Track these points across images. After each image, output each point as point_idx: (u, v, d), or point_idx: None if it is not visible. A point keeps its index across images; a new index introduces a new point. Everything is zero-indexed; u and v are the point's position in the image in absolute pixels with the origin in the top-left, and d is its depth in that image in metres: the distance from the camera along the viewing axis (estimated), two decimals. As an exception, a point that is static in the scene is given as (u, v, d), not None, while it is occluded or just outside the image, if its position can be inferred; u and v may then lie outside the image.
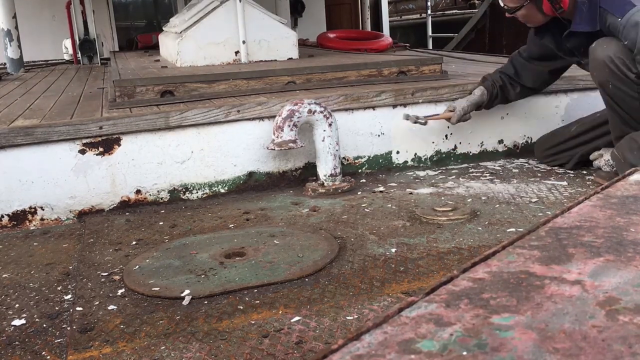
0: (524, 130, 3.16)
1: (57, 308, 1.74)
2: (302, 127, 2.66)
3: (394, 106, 2.95)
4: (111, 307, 1.69)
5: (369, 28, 9.28)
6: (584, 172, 2.83)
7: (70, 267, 2.04)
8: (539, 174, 2.82)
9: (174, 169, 2.68)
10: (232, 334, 1.48)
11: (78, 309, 1.69)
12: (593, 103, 3.24)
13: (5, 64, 5.88)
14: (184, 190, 2.73)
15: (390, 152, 2.99)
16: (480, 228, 2.12)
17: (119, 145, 2.60)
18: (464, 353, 0.61)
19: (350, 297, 1.64)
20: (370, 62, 3.40)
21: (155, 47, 5.75)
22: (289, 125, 2.61)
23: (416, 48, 6.36)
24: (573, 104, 3.21)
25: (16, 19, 5.63)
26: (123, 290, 1.81)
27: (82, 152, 2.55)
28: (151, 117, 2.62)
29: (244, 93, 3.07)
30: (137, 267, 1.95)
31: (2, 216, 2.50)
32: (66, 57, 7.18)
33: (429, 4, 9.86)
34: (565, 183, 2.64)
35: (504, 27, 6.82)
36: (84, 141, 2.55)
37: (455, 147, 3.08)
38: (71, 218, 2.58)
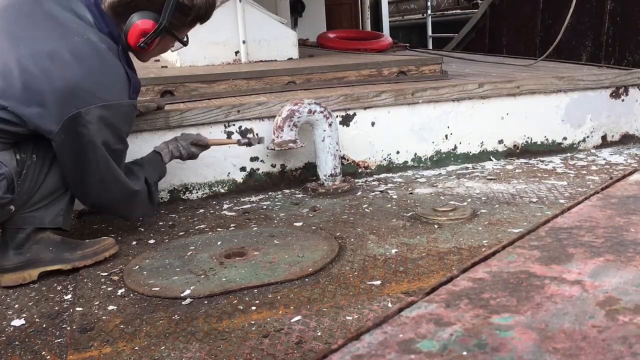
0: (524, 130, 3.16)
1: (57, 308, 1.74)
2: (302, 127, 2.66)
3: (394, 106, 2.95)
4: (111, 307, 1.69)
5: (369, 28, 9.26)
6: (584, 172, 2.83)
7: (70, 267, 2.04)
8: (539, 174, 2.82)
9: (174, 168, 2.68)
10: (232, 334, 1.48)
11: (78, 309, 1.69)
12: (593, 103, 3.25)
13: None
14: (184, 190, 2.73)
15: (390, 152, 2.99)
16: (480, 228, 2.12)
17: (119, 145, 2.59)
18: (464, 353, 0.61)
19: (350, 297, 1.64)
20: (370, 62, 3.40)
21: (155, 47, 5.74)
22: (289, 125, 2.61)
23: (417, 48, 6.36)
24: (573, 104, 3.21)
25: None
26: (123, 290, 1.80)
27: (82, 152, 2.55)
28: (151, 117, 2.62)
29: (244, 93, 3.07)
30: (137, 267, 1.95)
31: (2, 216, 2.50)
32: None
33: (429, 4, 9.87)
34: (565, 183, 2.65)
35: (504, 27, 6.81)
36: (84, 141, 2.55)
37: (455, 147, 3.08)
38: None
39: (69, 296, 1.81)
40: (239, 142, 2.57)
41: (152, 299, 1.72)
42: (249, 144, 2.58)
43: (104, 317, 1.63)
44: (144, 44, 2.03)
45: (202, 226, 2.36)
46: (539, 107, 3.16)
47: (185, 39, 2.22)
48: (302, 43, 5.36)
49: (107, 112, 1.90)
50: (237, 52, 3.80)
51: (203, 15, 2.15)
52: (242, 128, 2.75)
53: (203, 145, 2.50)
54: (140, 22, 1.99)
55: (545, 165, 3.00)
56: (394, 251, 1.96)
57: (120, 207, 2.15)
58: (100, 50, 1.92)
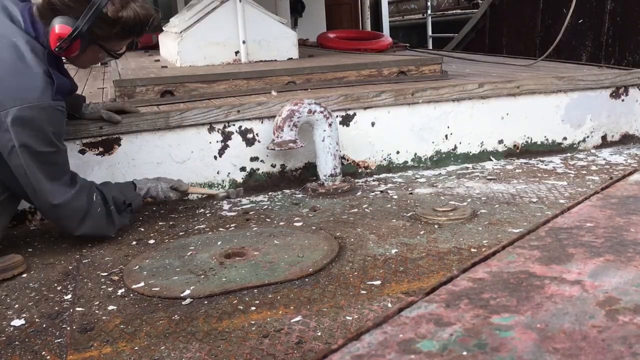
0: (524, 130, 3.16)
1: (57, 308, 1.73)
2: (302, 127, 2.66)
3: (394, 106, 2.95)
4: (111, 307, 1.69)
5: (369, 28, 9.27)
6: (584, 172, 2.83)
7: (70, 267, 2.04)
8: (539, 174, 2.82)
9: (174, 169, 2.68)
10: (232, 334, 1.48)
11: (78, 309, 1.69)
12: (593, 103, 3.25)
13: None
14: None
15: (390, 152, 2.99)
16: (480, 228, 2.12)
17: (119, 145, 2.59)
18: (464, 353, 0.61)
19: (350, 297, 1.64)
20: (370, 62, 3.40)
21: (155, 47, 5.74)
22: (289, 125, 2.60)
23: (417, 48, 6.36)
24: (573, 104, 3.21)
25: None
26: (123, 290, 1.80)
27: (82, 152, 2.55)
28: (151, 117, 2.62)
29: (244, 93, 3.07)
30: (137, 267, 1.95)
31: (2, 216, 2.49)
32: (66, 57, 7.16)
33: (429, 4, 9.88)
34: (565, 183, 2.64)
35: (504, 27, 6.81)
36: (84, 141, 2.55)
37: (455, 147, 3.08)
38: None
39: (69, 296, 1.81)
40: (217, 196, 2.66)
41: (152, 299, 1.72)
42: (228, 197, 2.67)
43: (104, 317, 1.63)
44: (59, 49, 2.01)
45: (202, 226, 2.36)
46: (539, 107, 3.16)
47: (120, 51, 2.19)
48: (302, 43, 5.35)
49: (27, 114, 1.91)
50: (237, 52, 3.80)
51: (132, 29, 2.11)
52: (242, 128, 2.75)
53: (182, 191, 2.52)
54: (57, 27, 1.98)
55: (545, 165, 3.00)
56: (394, 251, 1.96)
57: (50, 218, 2.16)
58: (20, 53, 1.95)
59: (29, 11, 2.04)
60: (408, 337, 0.64)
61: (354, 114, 2.90)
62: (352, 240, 2.08)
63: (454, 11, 11.94)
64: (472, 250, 1.94)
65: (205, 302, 1.67)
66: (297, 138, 2.63)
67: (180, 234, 2.29)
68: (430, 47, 8.82)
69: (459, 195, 2.55)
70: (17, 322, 1.65)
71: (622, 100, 3.30)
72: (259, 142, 2.78)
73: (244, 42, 3.78)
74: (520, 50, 6.10)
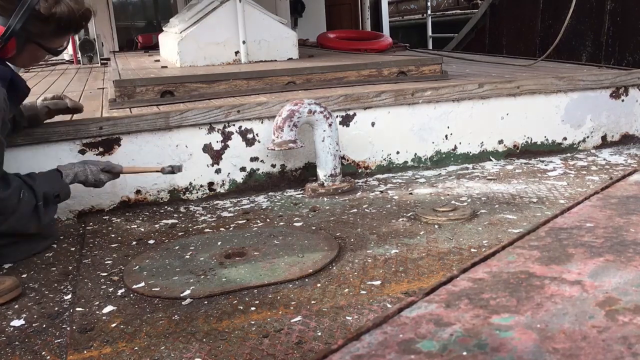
0: (524, 130, 3.16)
1: (57, 308, 1.73)
2: (302, 127, 2.66)
3: (394, 106, 2.95)
4: (111, 307, 1.69)
5: (369, 28, 9.29)
6: (584, 172, 2.83)
7: (70, 267, 2.04)
8: (539, 174, 2.82)
9: (174, 169, 2.68)
10: (232, 334, 1.48)
11: (78, 309, 1.69)
12: (593, 103, 3.25)
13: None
14: (184, 190, 2.73)
15: (390, 152, 2.99)
16: (480, 228, 2.12)
17: (119, 145, 2.60)
18: (464, 353, 0.61)
19: (350, 297, 1.64)
20: (370, 62, 3.40)
21: (155, 47, 5.75)
22: (289, 126, 2.61)
23: (417, 48, 6.36)
24: (573, 104, 3.21)
25: (16, 19, 5.60)
26: (123, 290, 1.80)
27: (82, 152, 2.55)
28: (151, 117, 2.62)
29: (244, 93, 3.07)
30: (137, 267, 1.95)
31: (2, 216, 2.49)
32: (66, 57, 7.17)
33: (429, 4, 9.89)
34: (565, 183, 2.65)
35: (504, 27, 6.81)
36: (84, 141, 2.55)
37: (455, 147, 3.08)
38: (71, 218, 2.57)
39: (69, 296, 1.81)
40: (163, 170, 2.44)
41: (152, 299, 1.72)
42: (172, 172, 2.46)
43: (104, 317, 1.63)
44: None
45: (202, 226, 2.36)
46: (539, 107, 3.16)
47: (60, 48, 2.17)
48: (302, 43, 5.36)
49: None
50: (237, 52, 3.81)
51: (69, 25, 2.10)
52: (242, 128, 2.75)
53: (115, 173, 2.40)
54: None
55: (545, 165, 3.00)
56: (394, 251, 1.96)
57: None
58: None
59: None
60: (408, 337, 0.64)
61: (354, 114, 2.91)
62: (352, 240, 2.08)
63: (453, 11, 11.95)
64: (472, 250, 1.94)
65: (205, 302, 1.67)
66: (297, 138, 2.63)
67: (180, 234, 2.29)
68: (430, 47, 8.82)
69: (459, 195, 2.55)
70: (17, 322, 1.65)
71: (622, 101, 3.30)
72: (259, 142, 2.78)
73: (244, 42, 3.79)
74: (520, 50, 6.11)
